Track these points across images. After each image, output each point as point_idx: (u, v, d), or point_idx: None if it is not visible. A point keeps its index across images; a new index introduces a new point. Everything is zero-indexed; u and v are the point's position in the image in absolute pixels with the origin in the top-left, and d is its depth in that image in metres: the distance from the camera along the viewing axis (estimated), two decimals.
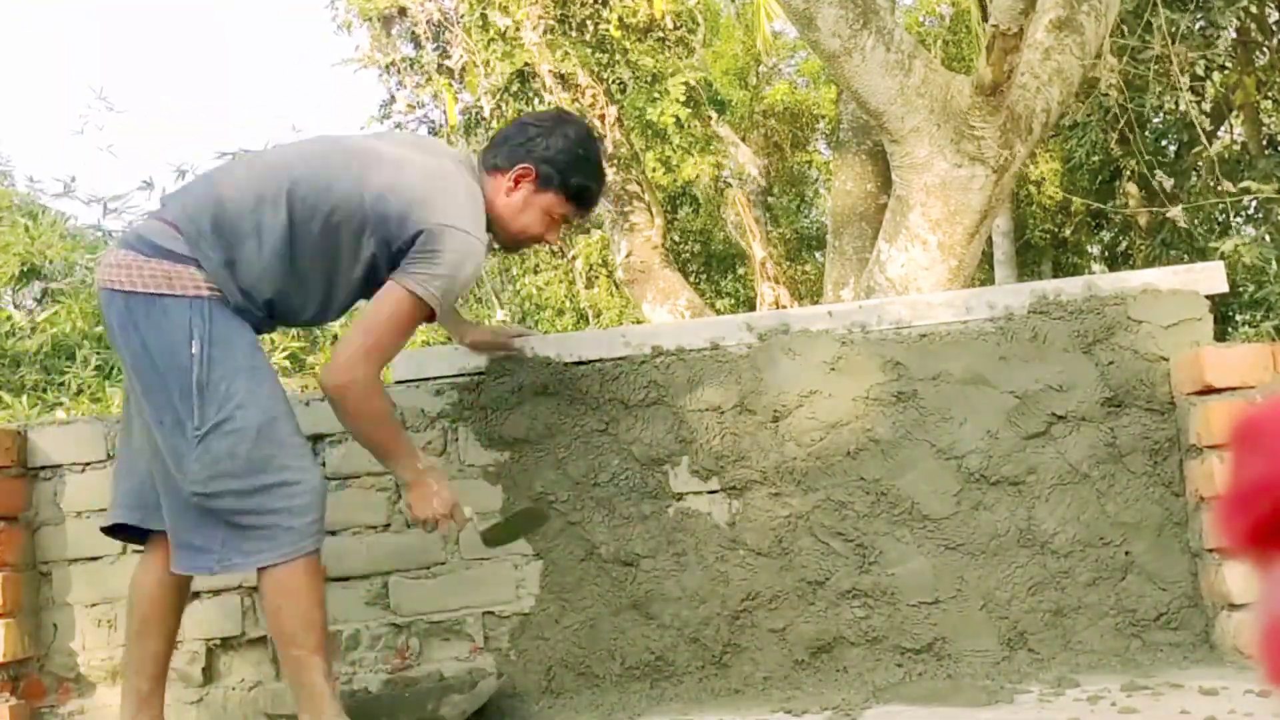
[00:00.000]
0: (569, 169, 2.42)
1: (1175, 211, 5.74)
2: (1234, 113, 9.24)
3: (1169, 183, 6.66)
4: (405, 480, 2.36)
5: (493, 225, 2.44)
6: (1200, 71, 6.91)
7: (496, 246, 2.58)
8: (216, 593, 2.79)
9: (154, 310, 2.17)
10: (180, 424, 2.15)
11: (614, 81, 7.82)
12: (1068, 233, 11.54)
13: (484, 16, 7.41)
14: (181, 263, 2.19)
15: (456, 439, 2.80)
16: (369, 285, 2.32)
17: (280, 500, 2.16)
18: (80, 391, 5.79)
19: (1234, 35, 7.83)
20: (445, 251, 2.22)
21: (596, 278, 11.14)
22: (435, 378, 2.82)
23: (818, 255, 12.85)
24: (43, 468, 2.82)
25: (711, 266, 12.60)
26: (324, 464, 2.81)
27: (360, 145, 2.40)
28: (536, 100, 7.86)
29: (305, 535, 2.18)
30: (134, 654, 2.34)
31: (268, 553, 2.16)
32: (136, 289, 2.18)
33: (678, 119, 7.59)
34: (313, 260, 2.27)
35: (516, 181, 2.41)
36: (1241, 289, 8.16)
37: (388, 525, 2.80)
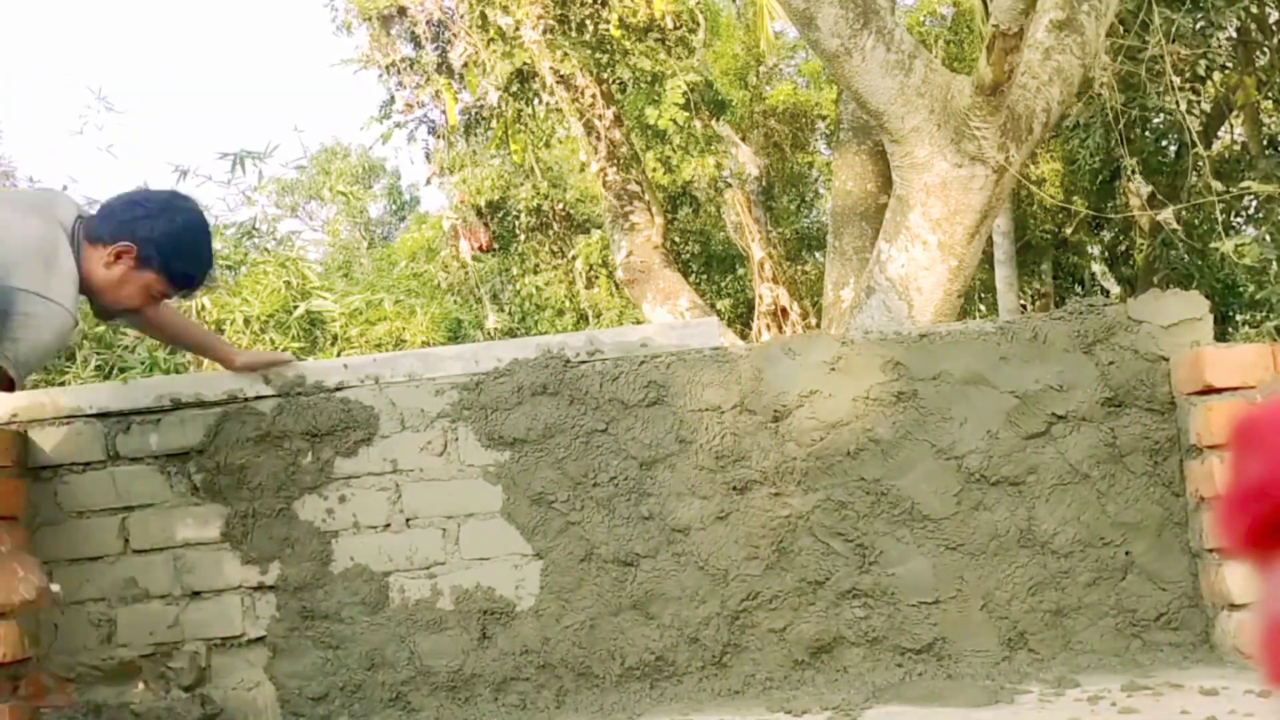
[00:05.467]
0: (172, 255, 2.45)
1: (1166, 214, 5.74)
2: (1234, 113, 9.24)
3: (1163, 185, 6.65)
4: None
5: (89, 292, 2.46)
6: (1201, 71, 6.90)
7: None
8: (217, 593, 2.79)
9: None
10: None
11: (614, 81, 7.81)
12: (1068, 232, 11.53)
13: (483, 16, 7.41)
14: None
15: (456, 439, 2.80)
16: None
17: None
18: None
19: (1234, 35, 7.83)
20: (19, 315, 2.24)
21: (596, 278, 11.14)
22: (436, 378, 2.82)
23: (818, 255, 12.84)
24: (43, 468, 2.82)
25: (712, 267, 12.60)
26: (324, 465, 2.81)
27: None
28: (536, 100, 7.86)
29: None
30: None
31: None
32: None
33: (675, 122, 7.59)
34: None
35: (117, 256, 2.42)
36: (1241, 289, 8.15)
37: (388, 525, 2.80)
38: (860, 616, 2.68)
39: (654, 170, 9.77)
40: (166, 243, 2.44)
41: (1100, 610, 2.64)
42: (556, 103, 7.68)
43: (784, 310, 8.75)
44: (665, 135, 8.19)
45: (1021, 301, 11.11)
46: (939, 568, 2.68)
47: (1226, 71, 8.49)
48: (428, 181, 8.90)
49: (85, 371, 5.83)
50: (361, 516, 2.79)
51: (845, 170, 6.91)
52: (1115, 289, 12.15)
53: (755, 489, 2.73)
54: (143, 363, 5.90)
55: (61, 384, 5.86)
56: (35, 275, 2.28)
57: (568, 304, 11.67)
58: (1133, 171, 6.54)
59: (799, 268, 12.69)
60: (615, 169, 7.76)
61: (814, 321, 9.29)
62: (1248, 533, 0.66)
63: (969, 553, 2.68)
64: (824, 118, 12.63)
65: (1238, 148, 9.81)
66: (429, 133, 8.80)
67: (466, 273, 11.29)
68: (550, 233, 11.59)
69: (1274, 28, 8.61)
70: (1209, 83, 8.39)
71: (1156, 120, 9.00)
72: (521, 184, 10.97)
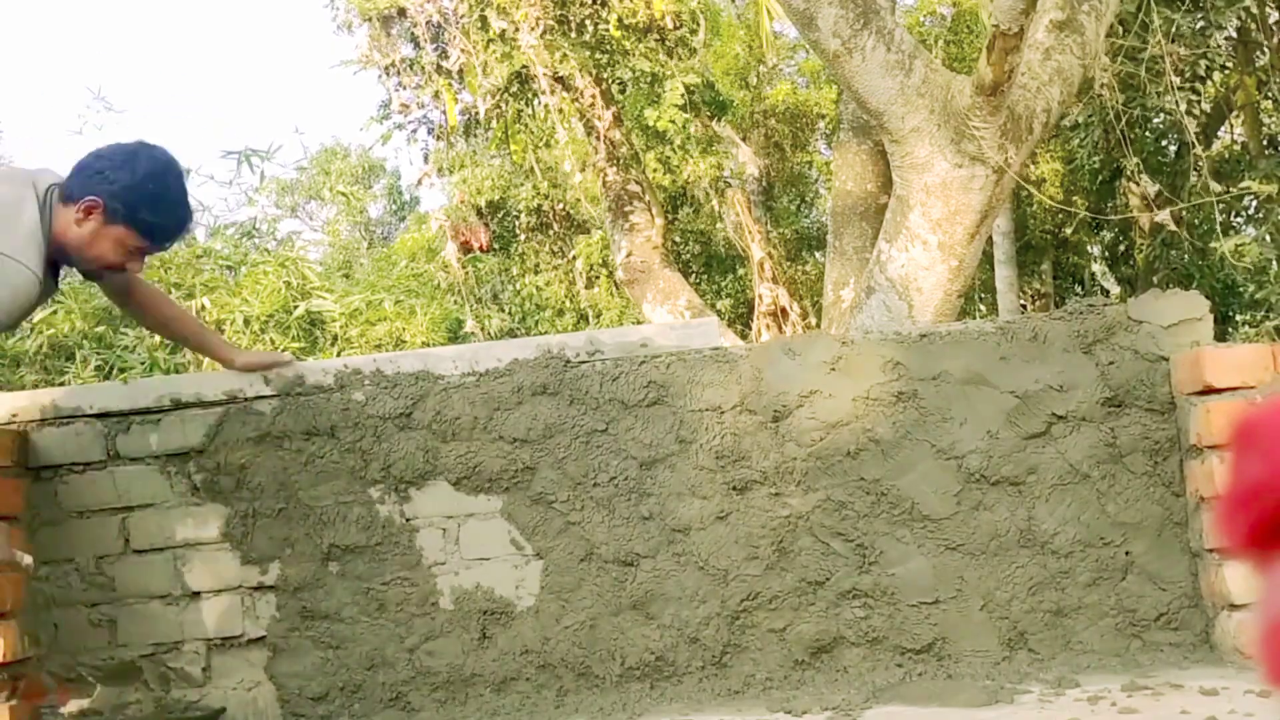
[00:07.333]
0: (138, 205, 2.43)
1: (1164, 215, 5.73)
2: (1234, 113, 9.24)
3: (1164, 185, 6.64)
4: None
5: (68, 252, 2.47)
6: (1201, 71, 6.89)
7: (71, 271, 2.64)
8: (217, 593, 2.79)
9: None
10: None
11: (614, 81, 7.81)
12: (1068, 232, 11.53)
13: (483, 18, 7.41)
14: None
15: (457, 439, 2.79)
16: None
17: None
18: None
19: (1234, 35, 7.83)
20: None
21: (596, 278, 11.13)
22: (436, 378, 2.82)
23: (818, 255, 12.84)
24: (43, 468, 2.82)
25: (712, 267, 12.58)
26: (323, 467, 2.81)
27: None
28: (535, 101, 7.86)
29: None
30: None
31: None
32: None
33: (674, 123, 7.59)
34: None
35: (86, 212, 2.43)
36: (1241, 289, 8.15)
37: (388, 525, 2.79)
38: (860, 616, 2.68)
39: (654, 171, 9.77)
40: (131, 194, 2.42)
41: (1100, 610, 2.64)
42: (559, 104, 7.67)
43: (784, 310, 8.74)
44: (665, 136, 8.19)
45: (1021, 301, 11.11)
46: (939, 568, 2.68)
47: (1226, 71, 8.49)
48: (419, 183, 8.90)
49: (85, 371, 5.83)
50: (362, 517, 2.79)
51: (845, 170, 6.91)
52: (1115, 289, 12.15)
53: (755, 489, 2.73)
54: (143, 363, 5.90)
55: (61, 384, 5.86)
56: None
57: (568, 304, 11.66)
58: (1137, 172, 6.54)
59: (799, 268, 12.69)
60: (615, 169, 7.76)
61: (814, 321, 9.29)
62: (1248, 533, 0.66)
63: (969, 553, 2.68)
64: (824, 118, 12.63)
65: (1238, 148, 9.81)
66: (429, 133, 8.79)
67: (467, 273, 11.29)
68: (550, 233, 11.58)
69: (1274, 28, 8.60)
70: (1209, 83, 8.39)
71: (1156, 120, 8.99)
72: (521, 184, 10.97)
